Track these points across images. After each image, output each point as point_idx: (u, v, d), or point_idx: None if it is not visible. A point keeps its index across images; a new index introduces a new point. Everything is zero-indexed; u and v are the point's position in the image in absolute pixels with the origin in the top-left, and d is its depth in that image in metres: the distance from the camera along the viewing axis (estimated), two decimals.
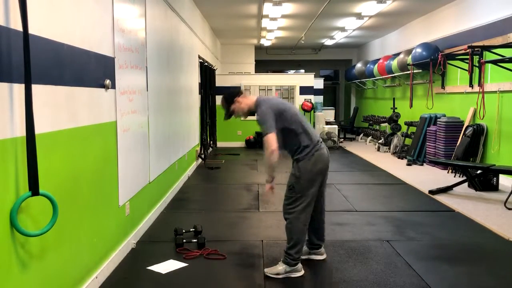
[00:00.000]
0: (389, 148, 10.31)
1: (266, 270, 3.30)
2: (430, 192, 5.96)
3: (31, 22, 2.09)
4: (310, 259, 3.54)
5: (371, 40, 14.14)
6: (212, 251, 3.72)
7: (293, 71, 18.43)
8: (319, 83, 14.11)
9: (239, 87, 3.58)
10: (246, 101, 3.38)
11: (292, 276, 3.24)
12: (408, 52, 9.93)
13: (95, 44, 3.06)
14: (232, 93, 3.46)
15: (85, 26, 2.89)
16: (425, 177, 7.14)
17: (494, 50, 6.37)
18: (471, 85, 7.35)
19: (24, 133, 2.08)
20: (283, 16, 9.76)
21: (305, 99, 11.79)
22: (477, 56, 6.74)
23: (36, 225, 2.26)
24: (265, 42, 14.13)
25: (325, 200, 3.52)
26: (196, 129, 8.33)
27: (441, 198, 5.71)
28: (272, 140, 3.13)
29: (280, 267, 3.26)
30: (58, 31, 2.50)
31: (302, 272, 3.28)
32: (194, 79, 7.98)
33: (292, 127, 3.25)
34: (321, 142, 3.36)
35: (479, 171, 6.08)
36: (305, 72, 17.14)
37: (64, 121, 2.58)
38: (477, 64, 6.80)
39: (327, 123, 12.30)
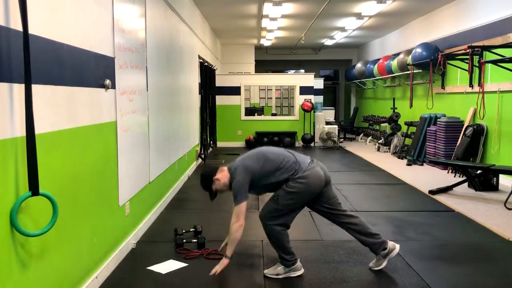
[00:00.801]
0: (389, 148, 10.31)
1: (266, 271, 3.30)
2: (430, 192, 5.96)
3: (31, 22, 2.09)
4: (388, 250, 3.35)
5: (371, 40, 14.15)
6: (212, 251, 3.72)
7: (293, 71, 18.43)
8: (319, 83, 14.11)
9: (211, 166, 3.35)
10: (224, 175, 3.22)
11: (292, 275, 3.24)
12: (408, 52, 9.93)
13: (95, 44, 3.06)
14: (208, 175, 3.26)
15: (85, 26, 2.89)
16: (425, 177, 7.14)
17: (494, 50, 6.37)
18: (471, 85, 7.35)
19: (24, 133, 2.08)
20: (283, 16, 9.76)
21: (305, 99, 11.79)
22: (477, 56, 6.74)
23: (36, 225, 2.25)
24: (265, 42, 14.13)
25: (339, 204, 3.36)
26: (196, 129, 8.33)
27: (441, 198, 5.71)
28: (242, 212, 3.08)
29: (279, 268, 3.27)
30: (58, 31, 2.50)
31: (301, 271, 3.29)
32: (194, 79, 7.98)
33: (273, 167, 3.14)
34: (311, 163, 3.22)
35: (479, 171, 6.08)
36: (305, 72, 17.14)
37: (64, 121, 2.58)
38: (477, 64, 6.80)
39: (327, 123, 12.31)
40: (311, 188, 3.18)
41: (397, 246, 3.40)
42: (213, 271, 3.16)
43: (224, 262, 3.20)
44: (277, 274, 3.24)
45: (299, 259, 3.32)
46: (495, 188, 6.14)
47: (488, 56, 6.63)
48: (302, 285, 3.14)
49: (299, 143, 11.97)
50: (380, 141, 10.87)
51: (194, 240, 3.92)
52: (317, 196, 3.26)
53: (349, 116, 16.48)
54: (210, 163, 8.52)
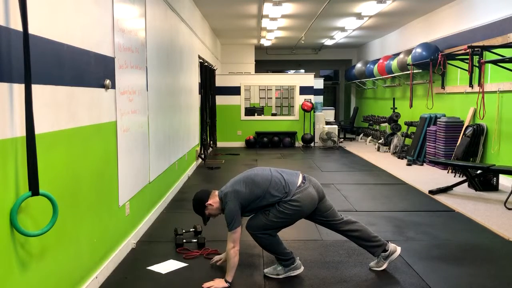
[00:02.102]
0: (389, 148, 10.31)
1: (266, 270, 3.30)
2: (430, 192, 5.96)
3: (31, 22, 2.09)
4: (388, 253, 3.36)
5: (371, 40, 14.15)
6: (212, 251, 3.73)
7: (293, 71, 18.43)
8: (319, 83, 14.12)
9: (204, 190, 3.42)
10: (216, 200, 3.22)
11: (292, 274, 3.25)
12: (408, 52, 9.93)
13: (95, 44, 3.06)
14: (201, 200, 3.26)
15: (85, 26, 2.89)
16: (425, 177, 7.14)
17: (494, 50, 6.37)
18: (471, 85, 7.35)
19: (24, 133, 2.08)
20: (283, 16, 9.76)
21: (305, 99, 11.80)
22: (477, 56, 6.74)
23: (36, 225, 2.25)
24: (265, 42, 14.13)
25: (336, 214, 3.34)
26: (196, 129, 8.33)
27: (441, 198, 5.71)
28: (238, 237, 3.08)
29: (279, 268, 3.27)
30: (58, 31, 2.50)
31: (301, 269, 3.29)
32: (194, 79, 7.98)
33: (261, 191, 3.14)
34: (302, 183, 3.18)
35: (479, 171, 6.08)
36: (305, 72, 17.15)
37: (64, 121, 2.58)
38: (477, 64, 6.81)
39: (327, 123, 12.31)
40: (303, 209, 3.17)
41: (398, 249, 3.39)
42: (206, 284, 3.06)
43: (223, 285, 3.07)
44: (277, 274, 3.25)
45: (297, 258, 3.31)
46: (495, 188, 6.14)
47: (488, 56, 6.63)
48: (302, 285, 3.14)
49: (299, 143, 11.97)
50: (380, 141, 10.87)
51: (194, 240, 3.92)
52: (311, 212, 3.26)
53: (349, 116, 16.48)
54: (210, 162, 8.53)
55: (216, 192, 3.27)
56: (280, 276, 3.23)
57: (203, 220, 3.35)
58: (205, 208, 3.25)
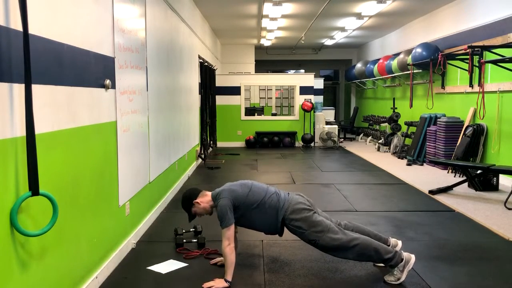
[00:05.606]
0: (389, 148, 10.31)
1: (386, 278, 3.17)
2: (430, 192, 5.96)
3: (31, 22, 2.09)
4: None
5: (371, 40, 14.15)
6: (212, 251, 3.73)
7: (293, 71, 18.44)
8: (319, 83, 14.12)
9: (195, 188, 3.39)
10: (205, 200, 3.29)
11: (410, 267, 3.13)
12: (408, 52, 9.94)
13: (95, 44, 3.06)
14: (189, 197, 3.32)
15: (85, 26, 2.89)
16: (425, 177, 7.14)
17: (494, 50, 6.37)
18: (471, 85, 7.35)
19: (24, 133, 2.09)
20: (283, 16, 9.76)
21: (305, 99, 11.80)
22: (477, 56, 6.74)
23: (36, 225, 2.26)
24: (265, 42, 14.14)
25: (331, 219, 3.37)
26: (196, 129, 8.33)
27: (441, 198, 5.71)
28: (232, 234, 3.12)
29: (395, 272, 3.14)
30: (58, 31, 2.50)
31: (413, 256, 3.16)
32: (194, 79, 7.98)
33: (257, 198, 3.21)
34: (288, 194, 3.32)
35: (479, 171, 6.08)
36: (305, 72, 17.15)
37: (64, 121, 2.58)
38: (477, 64, 6.81)
39: (327, 123, 12.31)
40: (304, 202, 3.25)
41: (400, 243, 3.44)
42: (206, 284, 3.05)
43: (223, 284, 3.06)
44: (398, 279, 3.11)
45: (398, 249, 3.23)
46: (495, 188, 6.13)
47: (488, 56, 6.63)
48: (302, 285, 3.14)
49: (299, 143, 11.97)
50: (380, 141, 10.87)
51: (194, 240, 3.92)
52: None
53: (349, 116, 16.48)
54: (210, 162, 8.54)
55: (208, 192, 3.34)
56: (402, 278, 3.10)
57: (188, 217, 3.41)
58: (192, 206, 3.32)
